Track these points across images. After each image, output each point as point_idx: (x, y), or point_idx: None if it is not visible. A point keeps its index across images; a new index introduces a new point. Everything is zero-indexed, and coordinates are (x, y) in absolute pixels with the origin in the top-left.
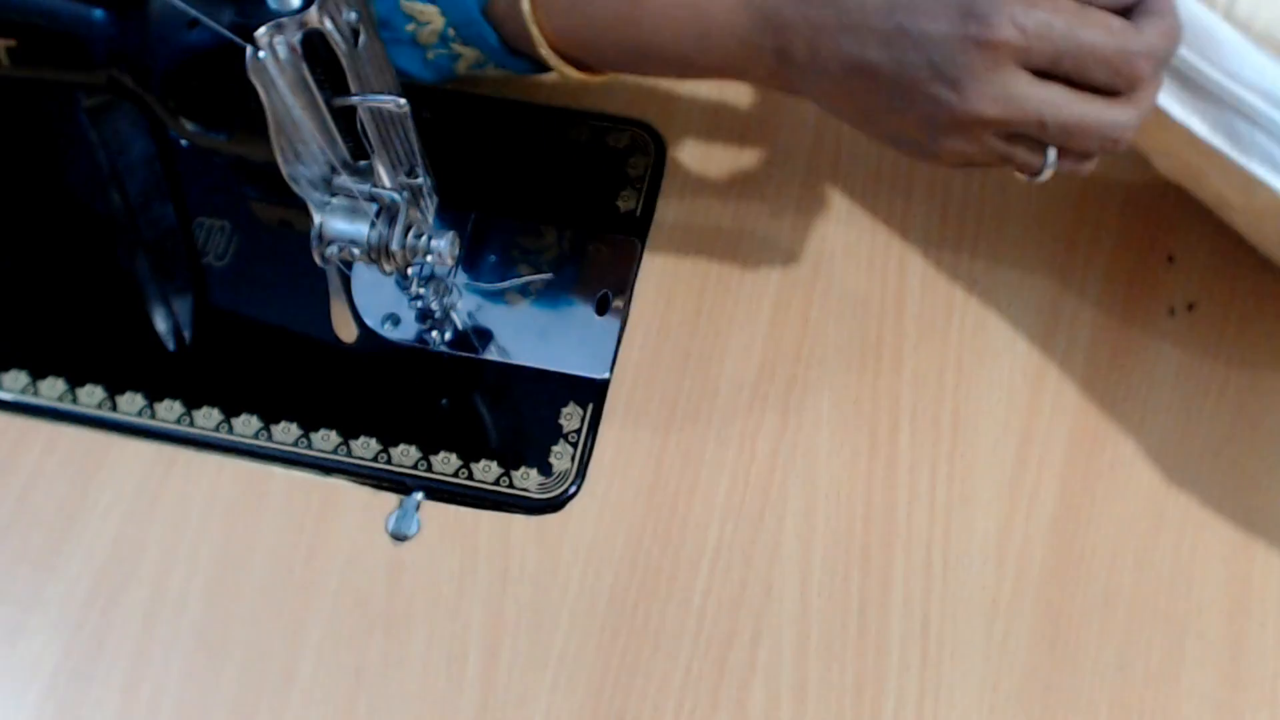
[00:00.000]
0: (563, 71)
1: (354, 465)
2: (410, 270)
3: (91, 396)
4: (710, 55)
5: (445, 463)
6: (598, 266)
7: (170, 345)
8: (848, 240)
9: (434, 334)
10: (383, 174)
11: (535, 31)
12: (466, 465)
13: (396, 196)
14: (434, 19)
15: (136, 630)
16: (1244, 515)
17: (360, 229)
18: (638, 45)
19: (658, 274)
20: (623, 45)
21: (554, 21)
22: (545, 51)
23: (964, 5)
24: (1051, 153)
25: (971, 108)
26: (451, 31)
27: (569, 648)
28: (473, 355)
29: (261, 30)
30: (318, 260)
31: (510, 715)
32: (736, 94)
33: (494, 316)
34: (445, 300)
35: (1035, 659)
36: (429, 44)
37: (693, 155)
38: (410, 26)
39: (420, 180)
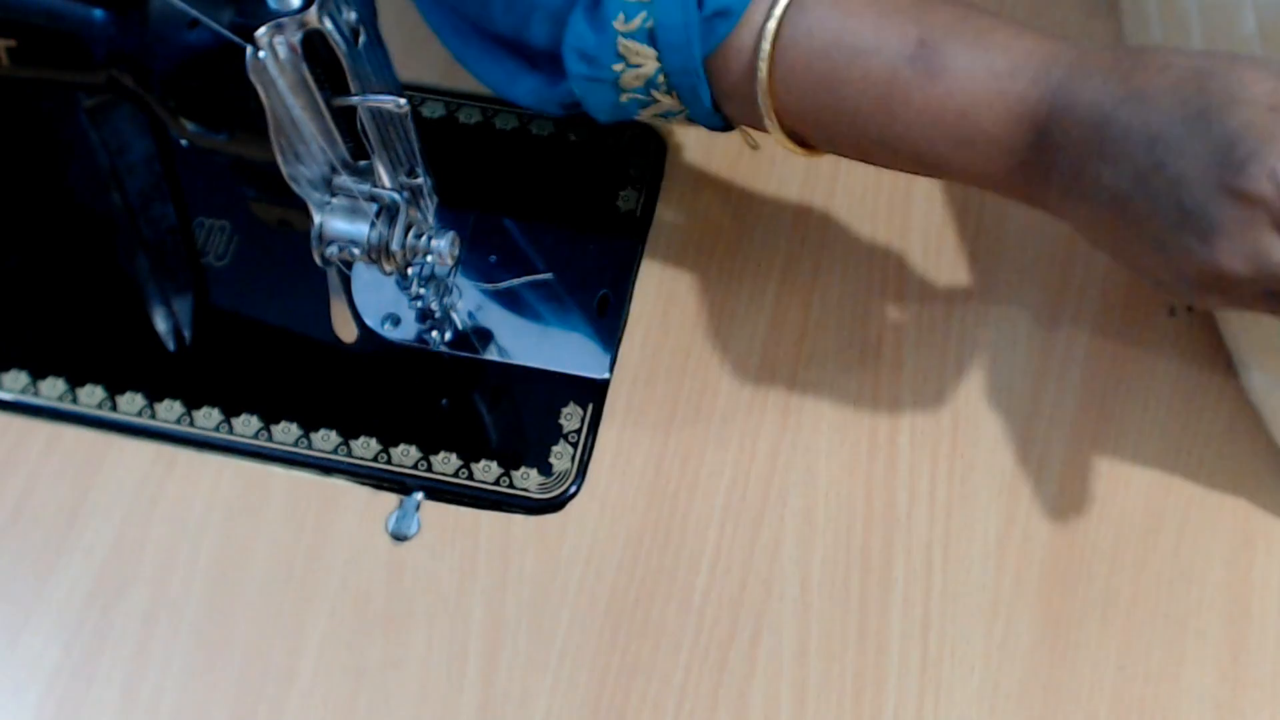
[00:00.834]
0: (783, 144)
1: (354, 465)
2: (410, 270)
3: (91, 396)
4: (966, 161)
5: (445, 463)
6: (598, 266)
7: (170, 345)
8: (848, 240)
9: (434, 334)
10: (383, 174)
11: (766, 104)
12: (466, 465)
13: (396, 196)
14: (648, 62)
15: (136, 630)
16: (1244, 515)
17: (360, 229)
18: (886, 139)
19: (658, 274)
20: (868, 135)
21: (792, 98)
22: (771, 124)
23: (1223, 149)
24: None
25: (1220, 264)
26: (661, 79)
27: (569, 648)
28: (473, 355)
29: (261, 30)
30: (318, 260)
31: (510, 715)
32: None
33: (494, 316)
34: (445, 300)
35: (1035, 659)
36: (629, 88)
37: (693, 155)
38: (618, 67)
39: (420, 180)
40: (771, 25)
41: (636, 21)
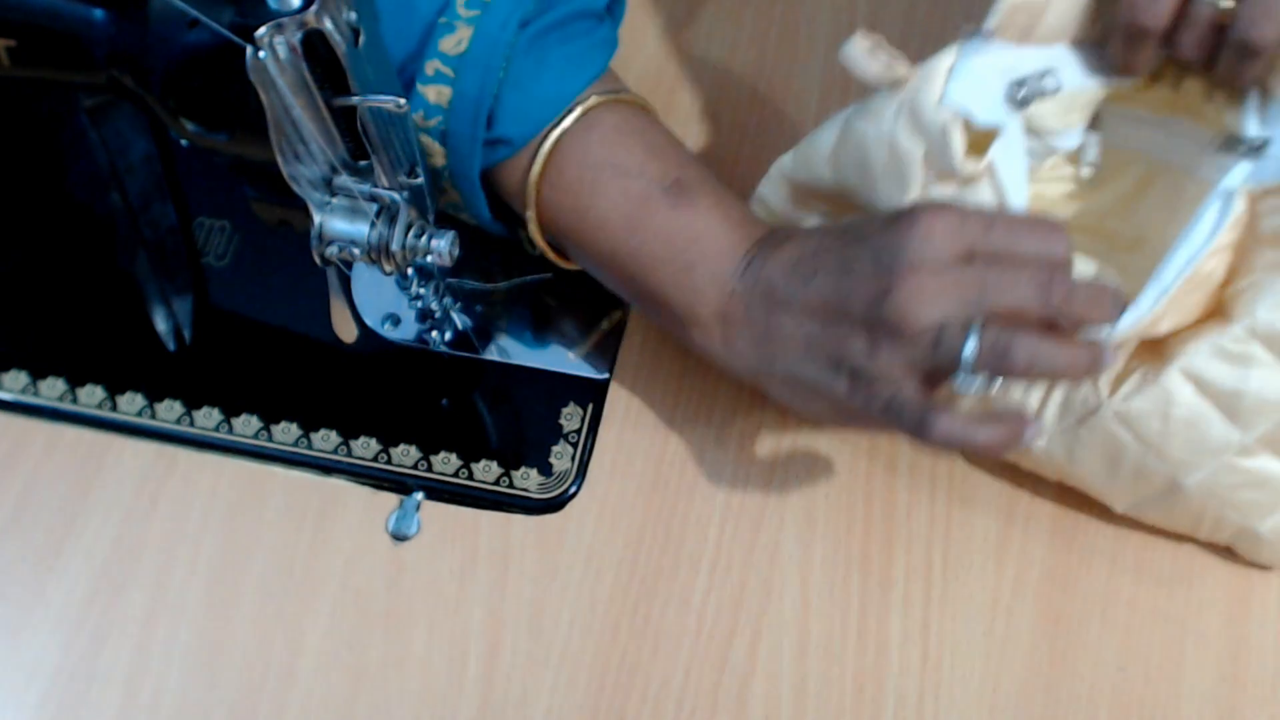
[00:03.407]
0: (537, 239)
1: (354, 465)
2: (410, 270)
3: (91, 396)
4: (684, 287)
5: (445, 463)
6: None
7: (170, 345)
8: None
9: (434, 334)
10: (383, 174)
11: (531, 198)
12: (466, 465)
13: (396, 196)
14: (437, 158)
15: (136, 630)
16: None
17: (360, 229)
18: (620, 253)
19: None
20: (608, 246)
21: (554, 198)
22: (530, 220)
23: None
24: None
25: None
26: (447, 175)
27: (569, 648)
28: (473, 355)
29: (261, 30)
30: (318, 260)
31: (510, 715)
32: (735, 93)
33: (494, 316)
34: (445, 300)
35: (1035, 659)
36: (431, 167)
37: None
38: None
39: (420, 180)
40: (547, 147)
41: (434, 121)
